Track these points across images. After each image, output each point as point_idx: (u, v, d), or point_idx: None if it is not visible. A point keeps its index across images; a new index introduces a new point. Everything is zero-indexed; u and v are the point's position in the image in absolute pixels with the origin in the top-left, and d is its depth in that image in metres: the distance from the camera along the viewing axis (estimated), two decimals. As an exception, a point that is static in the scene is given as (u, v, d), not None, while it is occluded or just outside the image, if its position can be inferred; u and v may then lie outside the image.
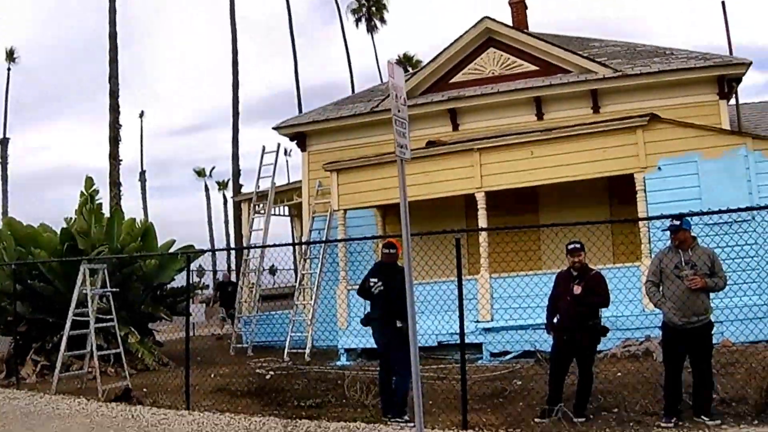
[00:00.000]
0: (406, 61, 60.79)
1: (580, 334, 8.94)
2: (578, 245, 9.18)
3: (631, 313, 13.23)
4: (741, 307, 12.76)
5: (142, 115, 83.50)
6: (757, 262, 13.19)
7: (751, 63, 16.54)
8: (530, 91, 17.58)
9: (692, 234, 8.66)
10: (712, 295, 8.53)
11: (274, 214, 21.44)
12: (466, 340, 9.72)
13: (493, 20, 18.41)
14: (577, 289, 8.96)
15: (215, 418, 10.10)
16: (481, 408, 9.80)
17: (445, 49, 18.76)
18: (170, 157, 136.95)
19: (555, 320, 9.33)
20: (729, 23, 18.36)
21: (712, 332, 8.56)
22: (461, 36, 18.54)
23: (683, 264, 8.43)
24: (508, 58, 18.39)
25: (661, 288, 8.62)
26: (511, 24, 20.11)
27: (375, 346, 10.07)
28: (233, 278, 23.94)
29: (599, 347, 9.54)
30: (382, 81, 24.40)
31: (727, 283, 8.55)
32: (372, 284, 9.60)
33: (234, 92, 42.27)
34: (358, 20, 65.38)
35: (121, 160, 36.48)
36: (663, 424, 8.35)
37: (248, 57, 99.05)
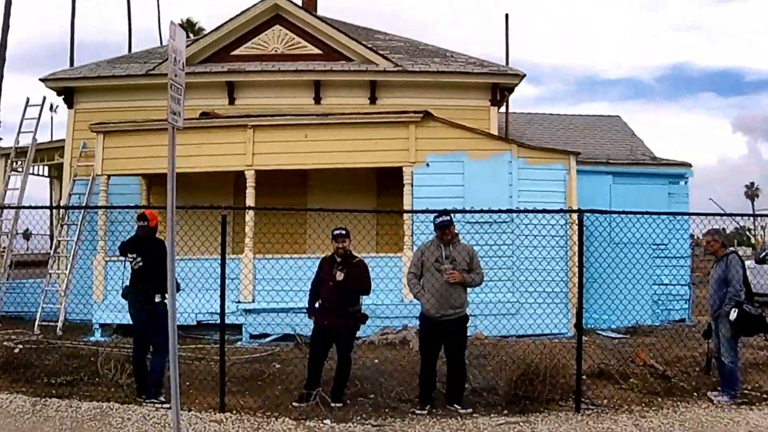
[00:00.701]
0: (188, 27, 58.76)
1: (340, 320, 9.00)
2: (343, 231, 9.21)
3: (391, 302, 13.59)
4: (495, 303, 13.46)
5: None
6: (512, 261, 13.95)
7: (524, 75, 17.52)
8: (311, 74, 17.54)
9: (455, 230, 8.97)
10: (468, 289, 8.86)
11: (33, 174, 19.95)
12: (227, 321, 9.47)
13: (283, -3, 18.15)
14: (340, 276, 9.00)
15: (-47, 395, 9.22)
16: (239, 391, 9.64)
17: (230, 19, 18.22)
18: None
19: (317, 305, 9.33)
20: (509, 36, 19.23)
21: (467, 325, 8.91)
22: (249, 8, 18.11)
23: (444, 258, 8.71)
24: (293, 38, 18.23)
25: (421, 280, 8.84)
26: (300, 4, 19.94)
27: (131, 322, 9.58)
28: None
29: (358, 334, 9.67)
30: (162, 44, 23.33)
31: (484, 279, 8.92)
32: (131, 259, 9.16)
33: (3, 35, 38.74)
34: (144, -25, 62.59)
35: None
36: (418, 411, 8.61)
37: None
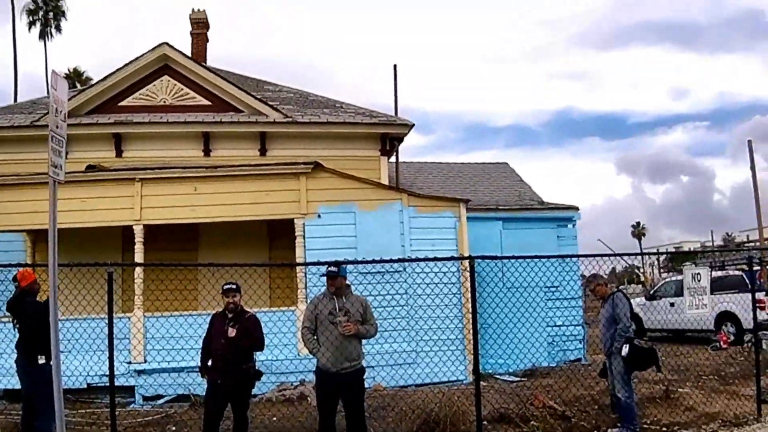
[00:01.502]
0: (75, 77, 57.62)
1: (234, 378, 8.75)
2: (233, 286, 8.98)
3: (286, 357, 13.37)
4: (392, 353, 13.39)
5: None
6: (407, 310, 13.95)
7: (413, 125, 17.75)
8: (200, 125, 17.34)
9: (347, 281, 8.86)
10: (364, 341, 8.74)
11: None
12: (118, 383, 9.12)
13: (172, 47, 17.96)
14: (232, 332, 8.75)
15: None
16: (134, 456, 9.26)
17: (118, 69, 17.87)
18: None
19: (209, 363, 9.05)
20: (398, 86, 19.48)
21: (365, 377, 8.77)
22: (137, 58, 17.85)
23: (337, 310, 8.54)
24: (182, 89, 18.04)
25: (316, 334, 8.69)
26: (189, 55, 19.75)
27: (18, 386, 9.13)
28: None
29: (254, 391, 9.41)
30: (49, 94, 22.65)
31: (378, 329, 8.82)
32: (10, 320, 8.81)
33: None
34: (32, 23, 61.10)
35: None
36: None
37: None
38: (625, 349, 9.30)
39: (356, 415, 8.58)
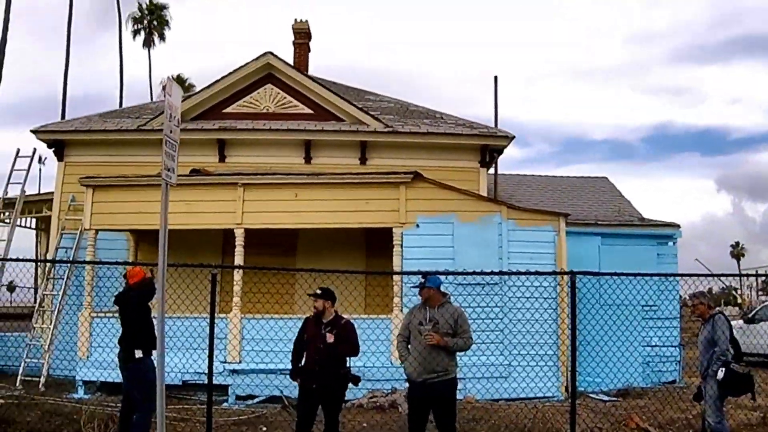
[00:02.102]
0: (179, 84, 59.07)
1: (329, 382, 8.84)
2: (319, 292, 9.09)
3: (382, 364, 13.40)
4: (486, 366, 13.30)
5: None
6: (503, 323, 13.83)
7: (513, 137, 17.63)
8: (302, 133, 17.60)
9: (443, 292, 8.84)
10: (461, 353, 8.69)
11: (20, 226, 19.84)
12: (214, 381, 9.31)
13: (276, 57, 18.29)
14: (330, 337, 8.84)
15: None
16: (226, 453, 9.47)
17: (223, 77, 18.34)
18: None
19: (301, 366, 9.16)
20: (498, 97, 19.41)
21: (457, 389, 8.72)
22: (242, 67, 18.25)
23: (427, 321, 8.56)
24: (285, 97, 18.35)
25: (409, 343, 8.71)
26: (292, 64, 20.09)
27: (116, 379, 9.45)
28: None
29: (347, 396, 9.49)
30: (152, 99, 23.46)
31: (473, 342, 8.75)
32: (113, 314, 9.11)
33: (-6, 86, 38.39)
34: (137, 32, 63.08)
35: None
36: None
37: (16, 48, 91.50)
38: (720, 373, 9.02)
39: (446, 427, 8.54)
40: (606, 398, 14.03)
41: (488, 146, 17.68)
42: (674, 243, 17.33)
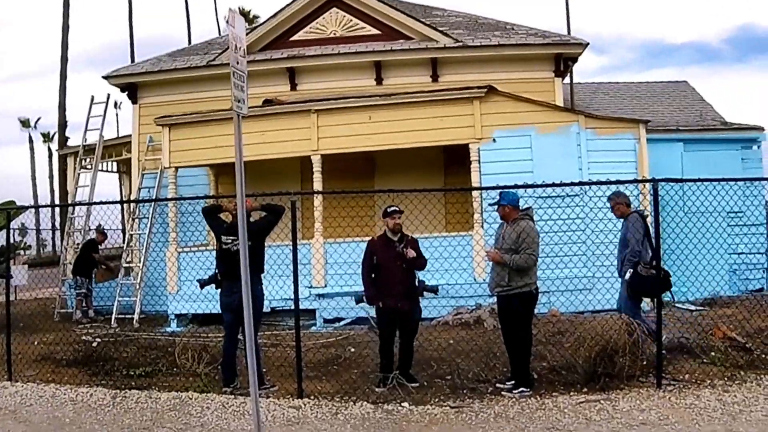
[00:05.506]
0: (243, 16, 58.89)
1: (411, 301, 9.03)
2: (397, 208, 9.19)
3: (465, 281, 13.46)
4: (571, 279, 13.25)
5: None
6: (587, 235, 13.68)
7: (587, 44, 17.17)
8: (371, 54, 17.46)
9: (522, 208, 8.87)
10: (543, 265, 8.73)
11: (102, 170, 20.35)
12: (301, 307, 9.48)
13: (339, -21, 18.08)
14: (411, 252, 8.94)
15: (39, 390, 9.45)
16: (317, 376, 9.70)
17: (287, 5, 18.26)
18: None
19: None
20: (570, 4, 18.85)
21: (531, 302, 8.73)
22: (305, -8, 18.09)
23: (500, 238, 8.80)
24: (351, 20, 18.16)
25: None
26: (355, -14, 19.83)
27: (205, 311, 9.55)
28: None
29: (431, 314, 9.64)
30: (220, 35, 23.46)
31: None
32: (230, 241, 9.01)
33: (63, 36, 38.93)
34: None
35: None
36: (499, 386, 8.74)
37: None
38: (628, 275, 9.19)
39: (522, 338, 8.68)
40: (692, 308, 13.83)
41: (562, 55, 17.22)
42: (759, 147, 16.77)
